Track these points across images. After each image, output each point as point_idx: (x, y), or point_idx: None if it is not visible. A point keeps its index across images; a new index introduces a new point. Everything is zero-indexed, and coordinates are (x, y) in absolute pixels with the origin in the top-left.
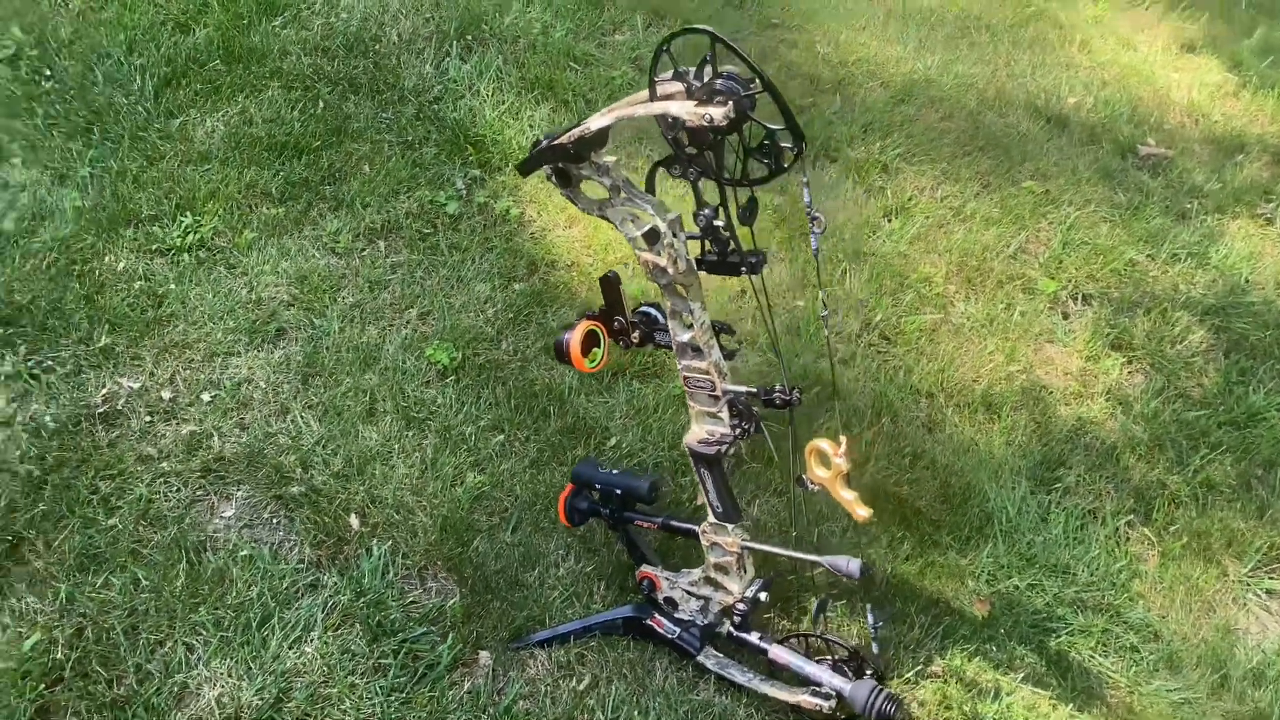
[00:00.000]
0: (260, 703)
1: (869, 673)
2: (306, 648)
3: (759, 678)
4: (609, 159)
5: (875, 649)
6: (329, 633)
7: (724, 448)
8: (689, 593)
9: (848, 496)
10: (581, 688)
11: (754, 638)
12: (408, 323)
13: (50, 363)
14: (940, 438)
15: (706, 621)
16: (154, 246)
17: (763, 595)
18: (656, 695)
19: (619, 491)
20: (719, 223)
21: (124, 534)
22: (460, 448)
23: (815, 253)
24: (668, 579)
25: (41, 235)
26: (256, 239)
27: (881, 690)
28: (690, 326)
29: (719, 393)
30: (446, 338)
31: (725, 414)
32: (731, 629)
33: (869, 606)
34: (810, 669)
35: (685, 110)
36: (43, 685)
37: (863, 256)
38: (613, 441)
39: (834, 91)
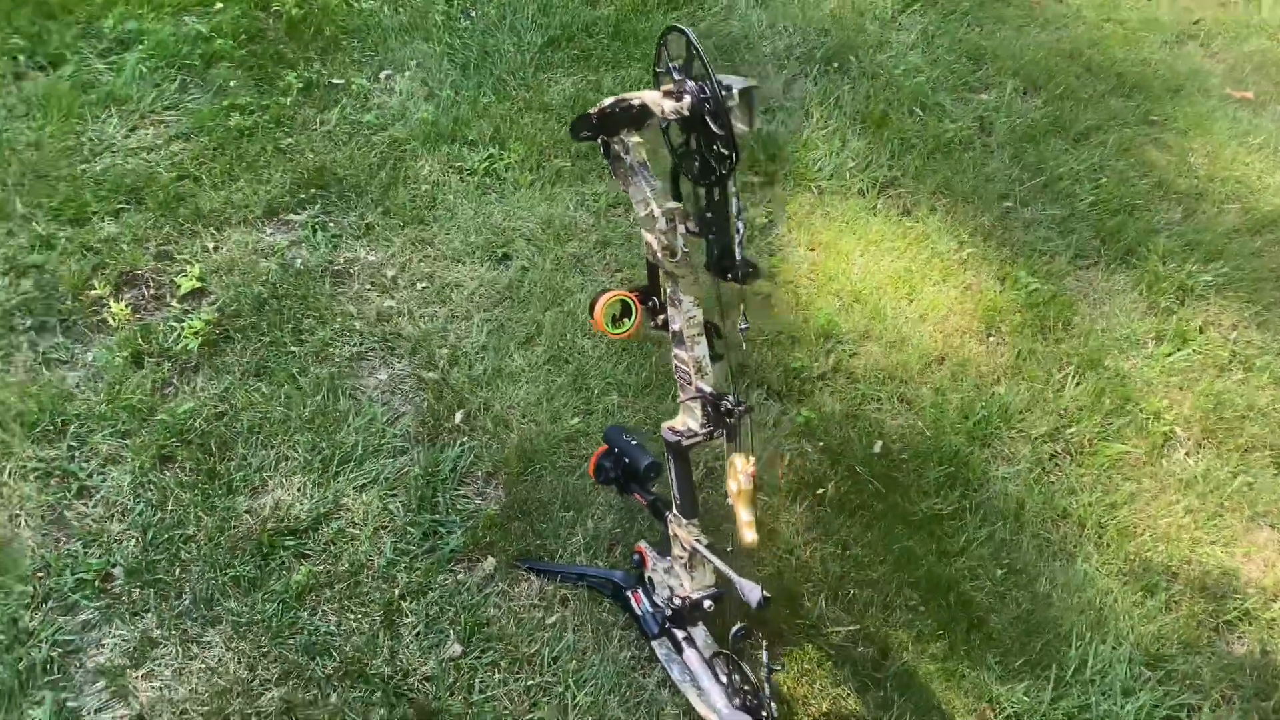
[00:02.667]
0: (301, 519)
1: (763, 714)
2: (363, 495)
3: (690, 682)
4: (634, 139)
5: (767, 690)
6: (385, 491)
7: (687, 441)
8: (664, 578)
9: (743, 516)
10: (548, 622)
11: (680, 635)
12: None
13: (329, 222)
14: (1058, 568)
15: (670, 611)
16: (457, 164)
17: (707, 604)
18: (605, 662)
19: (626, 461)
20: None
21: (297, 360)
22: (579, 395)
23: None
24: (654, 559)
25: (387, 131)
26: (534, 181)
27: None
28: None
29: (693, 389)
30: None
31: (697, 411)
32: (667, 618)
33: (764, 644)
34: (705, 683)
35: (651, 100)
36: (174, 440)
37: (1097, 366)
38: None
39: (1178, 203)
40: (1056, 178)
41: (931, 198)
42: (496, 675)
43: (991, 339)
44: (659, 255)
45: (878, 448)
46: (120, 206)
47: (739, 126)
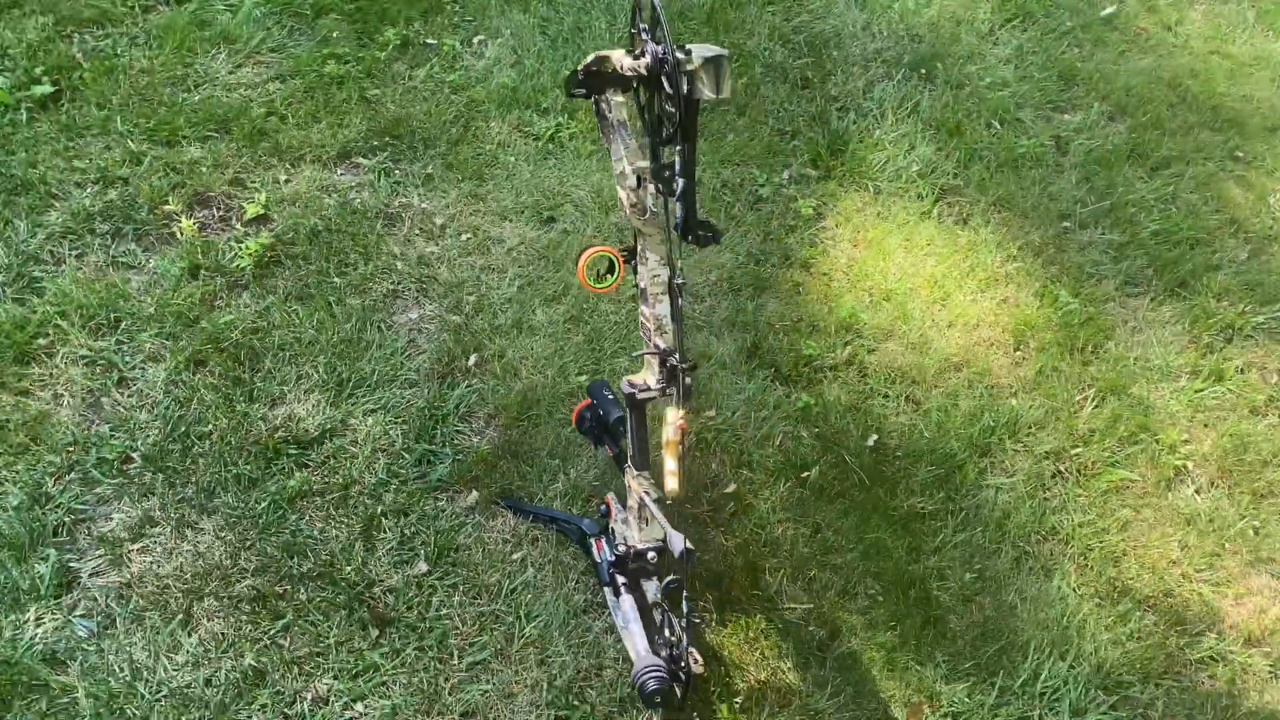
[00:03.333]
0: (309, 432)
1: (681, 662)
2: (369, 419)
3: (626, 624)
4: (617, 99)
5: (684, 640)
6: (390, 418)
7: (641, 394)
8: (621, 529)
9: (668, 465)
10: (514, 557)
11: (621, 580)
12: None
13: (395, 169)
14: (1032, 582)
15: (613, 557)
16: (525, 128)
17: (650, 555)
18: (558, 601)
19: (600, 412)
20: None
21: (336, 290)
22: (591, 354)
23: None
24: (617, 511)
25: (467, 92)
26: (594, 152)
27: (653, 668)
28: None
29: (651, 345)
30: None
31: (655, 366)
32: (612, 564)
33: (684, 594)
34: (633, 626)
35: (616, 57)
36: (210, 346)
37: (1121, 393)
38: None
39: (1246, 242)
40: (1123, 203)
41: (990, 209)
42: (455, 597)
43: (1018, 353)
44: (628, 212)
45: (872, 441)
46: (209, 134)
47: (705, 93)
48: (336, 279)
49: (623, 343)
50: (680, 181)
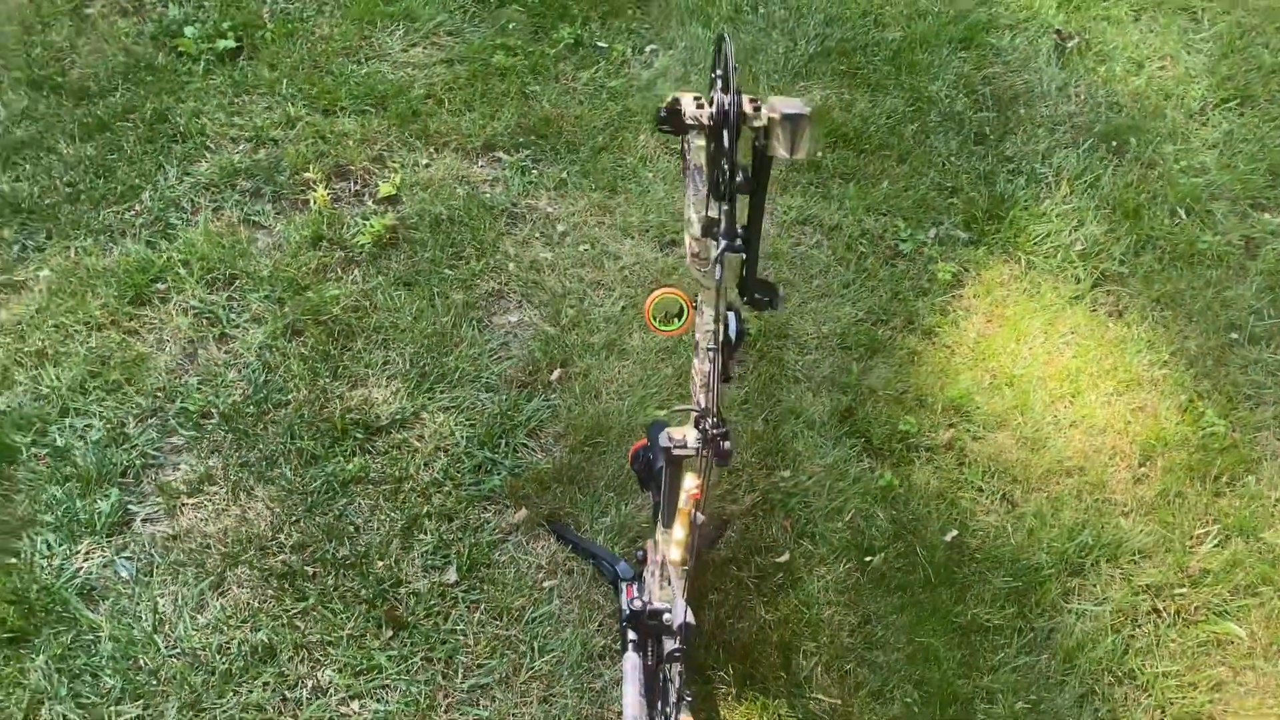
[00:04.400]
0: (380, 419)
1: None
2: (441, 415)
3: (633, 698)
4: (698, 142)
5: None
6: (461, 419)
7: (676, 450)
8: (649, 581)
9: (675, 533)
10: (545, 584)
11: (630, 638)
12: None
13: (532, 168)
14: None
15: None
16: (672, 145)
17: (666, 617)
18: (575, 640)
19: (650, 457)
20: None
21: (444, 281)
22: (676, 390)
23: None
24: (652, 561)
25: (624, 100)
26: None
27: None
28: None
29: (695, 402)
30: (760, 316)
31: (694, 424)
32: (626, 616)
33: (680, 671)
34: (628, 686)
35: (685, 101)
36: (309, 317)
37: (1250, 536)
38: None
39: None
40: None
41: (1151, 306)
42: (475, 614)
43: (1142, 469)
44: (690, 260)
45: (950, 536)
46: (365, 109)
47: (780, 152)
48: (447, 270)
49: (686, 386)
50: (722, 241)
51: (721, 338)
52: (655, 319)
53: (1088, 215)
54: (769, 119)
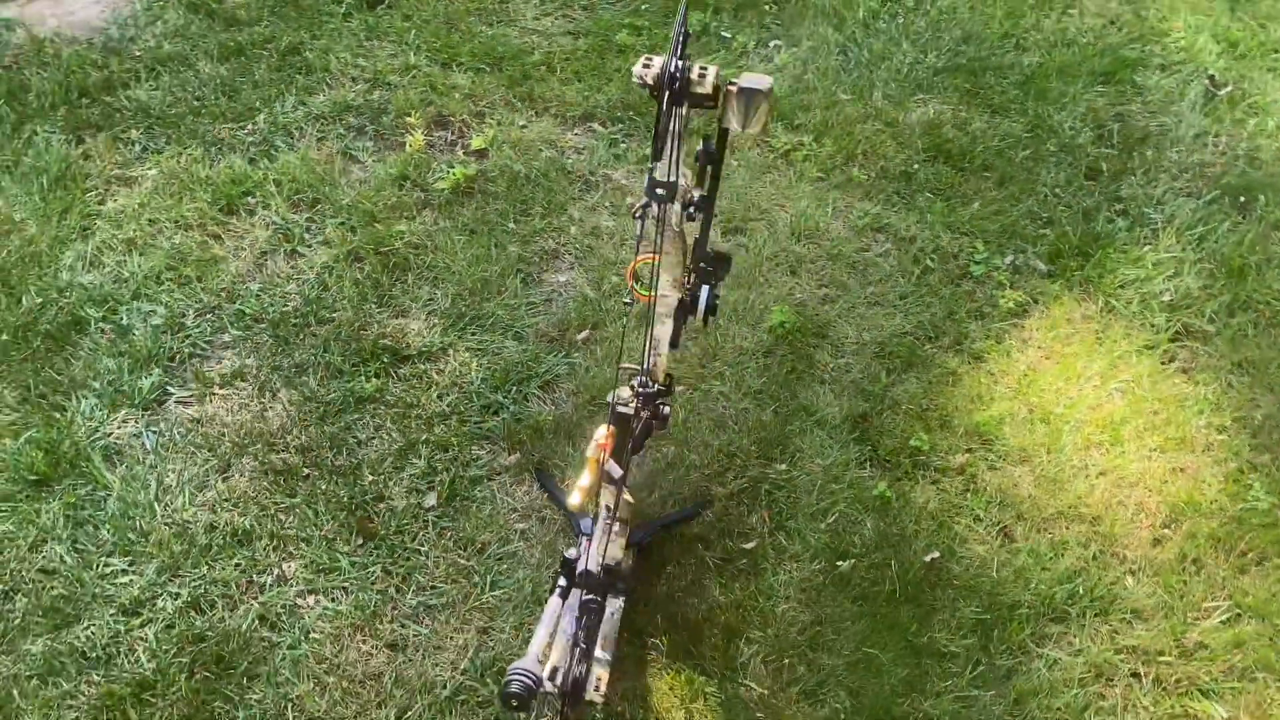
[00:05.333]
0: (408, 348)
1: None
2: (465, 355)
3: (539, 637)
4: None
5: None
6: (482, 361)
7: (620, 408)
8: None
9: (580, 480)
10: (516, 526)
11: (560, 583)
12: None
13: (621, 141)
14: None
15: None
16: (765, 138)
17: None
18: (528, 582)
19: None
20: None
21: (506, 234)
22: (697, 367)
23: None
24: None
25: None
26: (820, 179)
27: (524, 673)
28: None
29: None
30: (803, 313)
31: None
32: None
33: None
34: (539, 630)
35: (639, 65)
36: (372, 246)
37: (1266, 618)
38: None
39: None
40: None
41: (1230, 370)
42: (442, 540)
43: (1164, 530)
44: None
45: (931, 557)
46: (480, 67)
47: (733, 124)
48: (511, 224)
49: (731, 364)
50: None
51: (674, 303)
52: (636, 282)
53: (1186, 267)
54: (716, 88)
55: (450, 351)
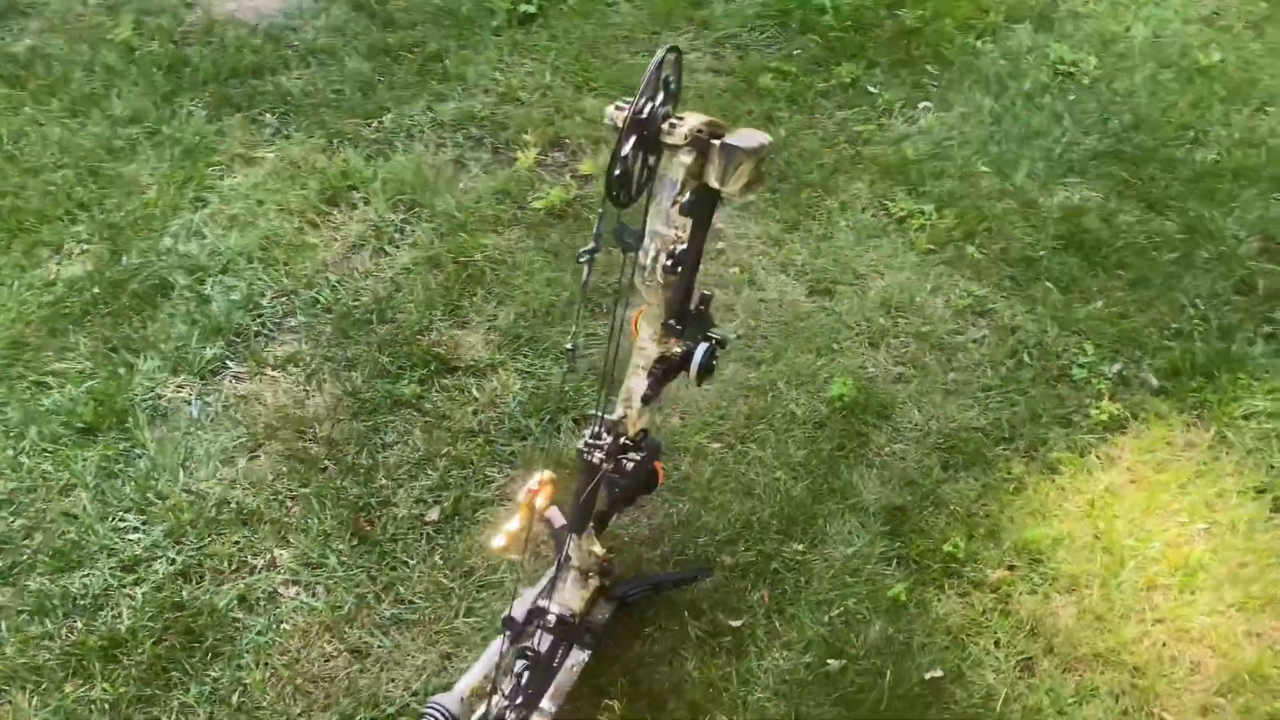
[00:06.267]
0: (458, 361)
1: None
2: (512, 377)
3: (473, 673)
4: (682, 157)
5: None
6: (525, 384)
7: (587, 455)
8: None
9: (508, 523)
10: (511, 558)
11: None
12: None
13: None
14: None
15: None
16: (884, 201)
17: (550, 616)
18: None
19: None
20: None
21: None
22: (726, 423)
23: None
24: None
25: (864, 146)
26: (931, 251)
27: (440, 708)
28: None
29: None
30: (869, 389)
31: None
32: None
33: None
34: (474, 666)
35: (610, 108)
36: (453, 256)
37: None
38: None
39: None
40: None
41: None
42: (430, 559)
43: (1219, 697)
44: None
45: (932, 674)
46: (613, 94)
47: (710, 180)
48: None
49: (778, 430)
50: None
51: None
52: (638, 329)
53: None
54: (695, 139)
55: (498, 370)
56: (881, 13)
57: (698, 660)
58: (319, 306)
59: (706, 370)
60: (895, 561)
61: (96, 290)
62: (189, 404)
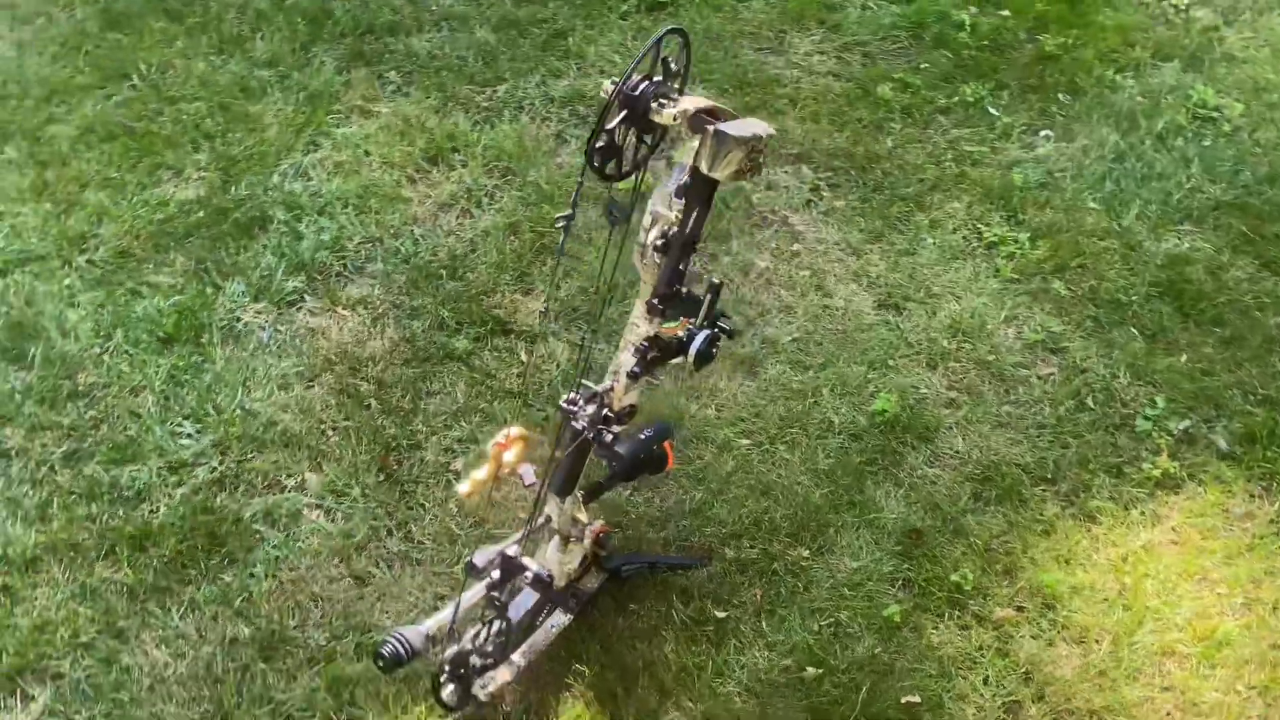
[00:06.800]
0: (513, 323)
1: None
2: (558, 348)
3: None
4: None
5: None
6: (576, 356)
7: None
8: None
9: (475, 470)
10: (520, 515)
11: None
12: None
13: (822, 187)
14: None
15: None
16: (981, 221)
17: (528, 574)
18: None
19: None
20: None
21: None
22: (743, 420)
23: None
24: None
25: (968, 166)
26: (1016, 279)
27: (403, 639)
28: None
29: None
30: (915, 409)
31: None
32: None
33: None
34: (447, 608)
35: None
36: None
37: None
38: None
39: None
40: None
41: None
42: (445, 501)
43: None
44: (635, 253)
45: (909, 699)
46: (725, 87)
47: (700, 164)
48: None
49: (811, 436)
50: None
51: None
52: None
53: None
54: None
55: (549, 339)
56: (1021, 35)
57: (676, 644)
58: (399, 257)
59: (705, 358)
60: (900, 583)
61: (202, 214)
62: (262, 329)
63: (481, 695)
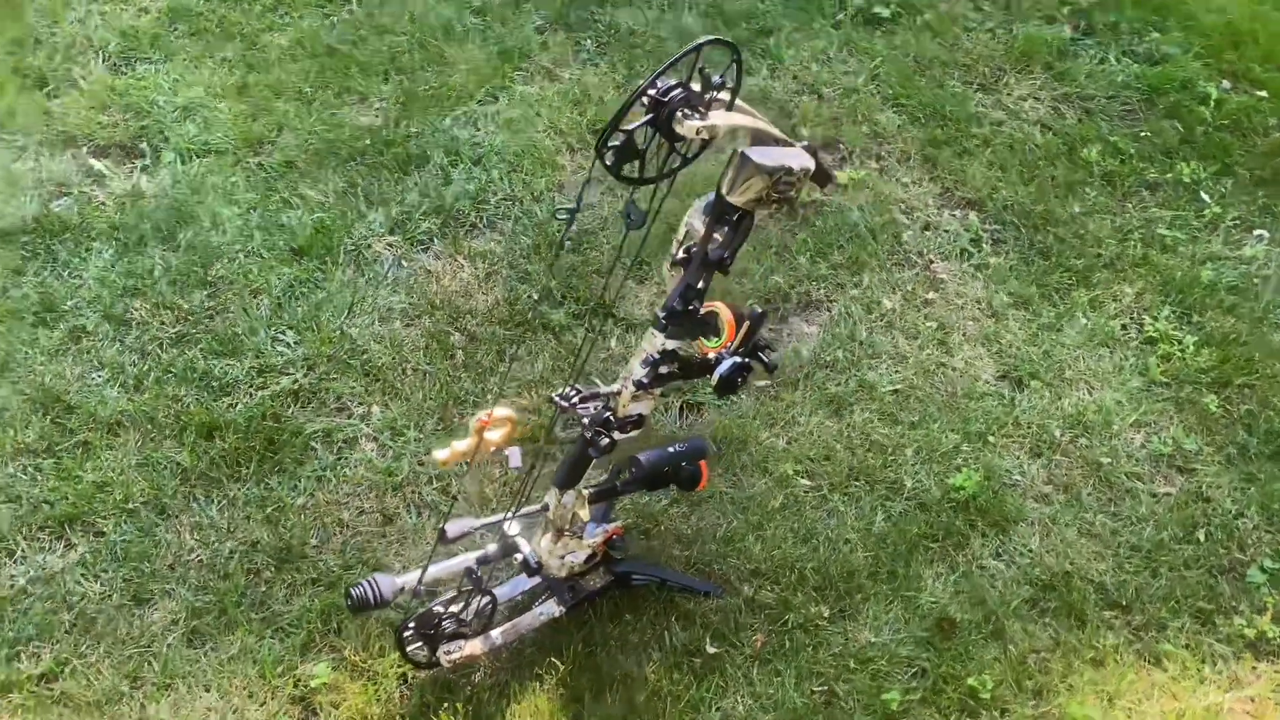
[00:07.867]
0: (624, 315)
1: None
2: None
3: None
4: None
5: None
6: None
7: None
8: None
9: (459, 443)
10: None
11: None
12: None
13: (985, 238)
14: None
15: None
16: (1133, 306)
17: (519, 556)
18: None
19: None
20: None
21: (788, 266)
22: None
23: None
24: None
25: (1158, 249)
26: (1146, 387)
27: (374, 584)
28: None
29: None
30: (1001, 494)
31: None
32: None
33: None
34: (436, 564)
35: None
36: None
37: None
38: None
39: None
40: None
41: None
42: (485, 467)
43: None
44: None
45: None
46: (917, 116)
47: (723, 185)
48: (801, 258)
49: (876, 494)
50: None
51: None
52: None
53: None
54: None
55: (642, 329)
56: (1271, 121)
57: (659, 666)
58: (531, 221)
59: (728, 386)
60: (913, 671)
61: (369, 142)
62: (387, 262)
63: (444, 660)
